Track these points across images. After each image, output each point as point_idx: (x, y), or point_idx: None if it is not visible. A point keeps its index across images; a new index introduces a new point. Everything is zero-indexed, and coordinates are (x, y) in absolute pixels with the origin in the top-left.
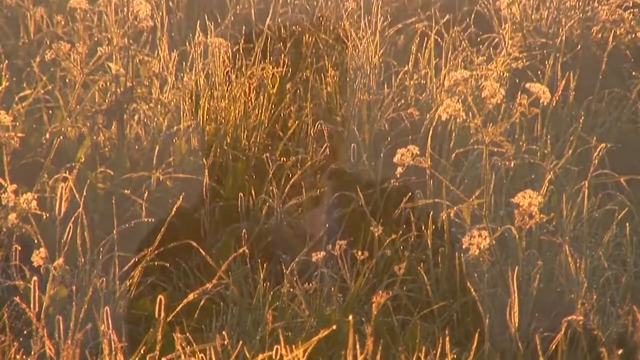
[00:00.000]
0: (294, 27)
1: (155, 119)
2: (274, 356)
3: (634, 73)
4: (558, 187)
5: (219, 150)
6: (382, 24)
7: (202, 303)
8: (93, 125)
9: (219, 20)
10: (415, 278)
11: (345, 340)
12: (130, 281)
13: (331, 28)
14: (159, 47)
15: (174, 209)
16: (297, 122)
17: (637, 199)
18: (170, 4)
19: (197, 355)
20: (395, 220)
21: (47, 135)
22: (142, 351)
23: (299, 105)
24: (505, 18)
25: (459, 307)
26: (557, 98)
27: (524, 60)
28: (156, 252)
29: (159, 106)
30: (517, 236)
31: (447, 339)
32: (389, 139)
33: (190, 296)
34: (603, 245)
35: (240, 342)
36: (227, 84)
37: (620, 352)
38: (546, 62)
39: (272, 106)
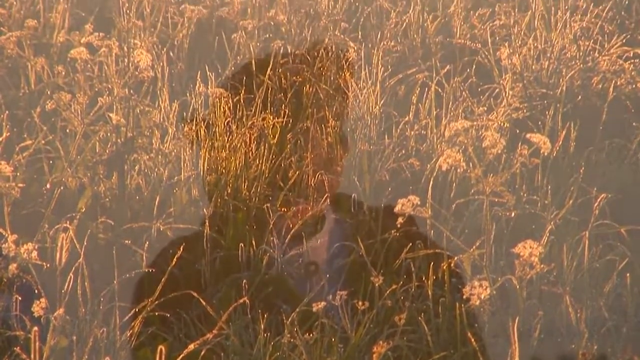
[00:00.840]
0: (294, 78)
1: (156, 169)
2: None
3: (634, 124)
4: (559, 238)
5: (219, 200)
6: (382, 75)
7: (202, 353)
8: (94, 176)
9: (220, 71)
10: (415, 328)
11: None
12: (131, 331)
13: (332, 78)
14: (160, 97)
15: (175, 259)
16: (297, 172)
17: (638, 250)
18: (171, 54)
19: None
20: (395, 270)
21: (48, 186)
22: None
23: (300, 156)
24: (505, 68)
25: (460, 357)
26: (558, 148)
27: (525, 111)
28: (157, 302)
29: (160, 156)
30: (517, 286)
31: None
32: (390, 189)
33: (191, 346)
34: (604, 295)
35: None
36: (228, 134)
37: None
38: (547, 112)
39: (272, 156)
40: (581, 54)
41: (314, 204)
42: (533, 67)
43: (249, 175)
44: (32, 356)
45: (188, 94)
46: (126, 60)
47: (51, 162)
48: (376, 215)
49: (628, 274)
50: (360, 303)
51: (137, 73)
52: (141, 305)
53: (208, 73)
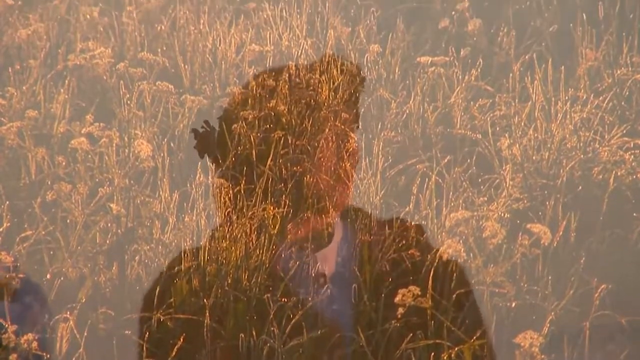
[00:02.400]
0: (295, 168)
1: (156, 260)
2: None
3: (635, 214)
4: (559, 328)
5: (220, 291)
6: (383, 165)
7: None
8: (94, 266)
9: (220, 161)
10: None
11: None
12: None
13: (332, 169)
14: (160, 187)
15: (175, 350)
16: (298, 263)
17: (638, 341)
18: (172, 144)
19: None
20: None
21: (48, 276)
22: None
23: (300, 246)
24: (506, 159)
25: None
26: (558, 239)
27: (525, 201)
28: None
29: (160, 247)
30: None
31: None
32: (390, 279)
33: None
34: None
35: None
36: (228, 224)
37: None
38: (547, 202)
39: (273, 247)
40: (581, 144)
41: (315, 295)
42: (533, 157)
43: (249, 266)
44: None
45: (189, 184)
46: (127, 150)
47: (51, 252)
48: (377, 305)
49: None
50: None
51: (137, 163)
52: None
53: (209, 163)
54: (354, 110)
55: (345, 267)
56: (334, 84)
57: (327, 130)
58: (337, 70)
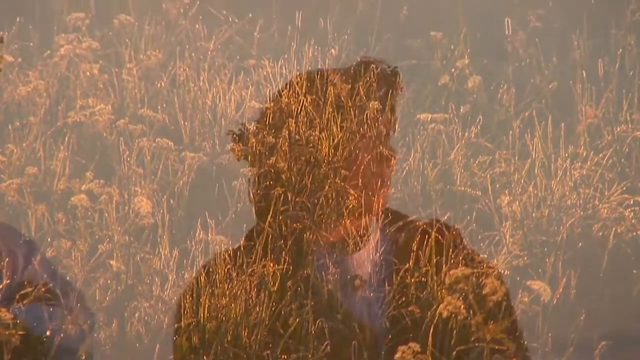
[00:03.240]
0: (295, 225)
1: (156, 317)
2: None
3: (635, 271)
4: None
5: (219, 348)
6: (382, 222)
7: None
8: (94, 323)
9: (220, 218)
10: None
11: None
12: None
13: (332, 226)
14: (160, 244)
15: None
16: (297, 320)
17: None
18: (171, 201)
19: None
20: None
21: (48, 333)
22: None
23: (300, 303)
24: (506, 216)
25: None
26: (558, 296)
27: (525, 258)
28: None
29: (160, 304)
30: None
31: None
32: (390, 336)
33: None
34: None
35: None
36: (228, 281)
37: None
38: (547, 259)
39: (273, 304)
40: (581, 201)
41: (314, 352)
42: (533, 214)
43: (249, 323)
44: None
45: (188, 241)
46: (127, 207)
47: (51, 309)
48: None
49: None
50: None
51: (137, 220)
52: None
53: (208, 220)
54: (393, 116)
55: (345, 323)
56: (333, 140)
57: (327, 187)
58: (336, 127)
